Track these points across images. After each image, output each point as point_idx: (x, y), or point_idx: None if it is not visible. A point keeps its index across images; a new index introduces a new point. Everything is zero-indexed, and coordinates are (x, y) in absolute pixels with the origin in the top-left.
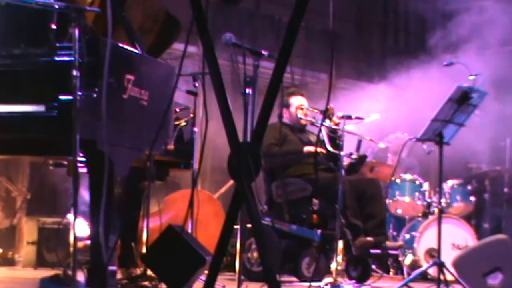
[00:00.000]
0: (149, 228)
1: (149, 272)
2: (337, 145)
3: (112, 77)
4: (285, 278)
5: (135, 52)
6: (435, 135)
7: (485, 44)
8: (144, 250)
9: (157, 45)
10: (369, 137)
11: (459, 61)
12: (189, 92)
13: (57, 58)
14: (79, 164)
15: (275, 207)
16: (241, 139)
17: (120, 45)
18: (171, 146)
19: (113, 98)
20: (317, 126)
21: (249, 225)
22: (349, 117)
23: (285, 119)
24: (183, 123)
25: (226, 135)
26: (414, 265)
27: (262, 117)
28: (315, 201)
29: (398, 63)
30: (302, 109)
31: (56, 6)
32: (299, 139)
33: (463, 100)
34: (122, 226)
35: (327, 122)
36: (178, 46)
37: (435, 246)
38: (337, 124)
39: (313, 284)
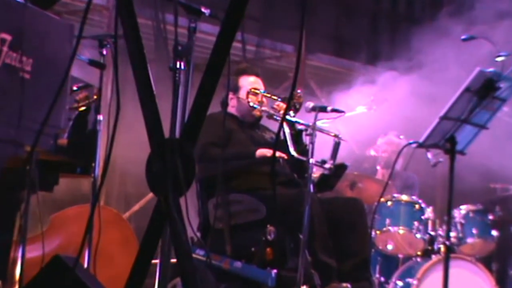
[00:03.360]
0: (26, 259)
1: None
2: (305, 149)
3: None
4: None
5: (13, 0)
6: (445, 140)
7: None
8: None
9: None
10: (351, 139)
11: (483, 35)
12: (93, 63)
13: None
14: None
15: (213, 235)
16: (167, 134)
17: None
18: (63, 141)
19: None
20: (277, 120)
21: (173, 260)
22: (323, 110)
23: (231, 109)
24: (83, 108)
25: (146, 128)
26: None
27: (199, 104)
28: (270, 228)
29: (395, 35)
30: (256, 94)
31: None
32: (250, 138)
33: (486, 91)
34: None
35: (292, 115)
36: None
37: None
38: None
39: None
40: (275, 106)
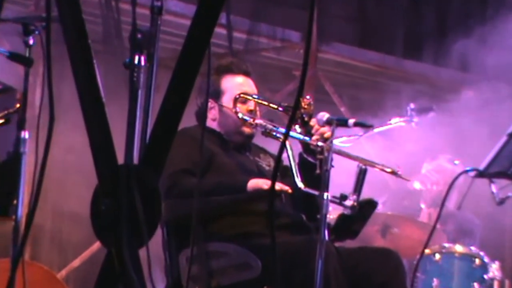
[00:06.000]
0: None
1: None
2: (316, 179)
3: None
4: None
5: None
6: None
7: None
8: None
9: None
10: (382, 164)
11: None
12: (15, 57)
13: None
14: None
15: None
16: (121, 158)
17: None
18: None
19: None
20: (277, 138)
21: None
22: (342, 123)
23: (212, 122)
24: (0, 121)
25: (91, 149)
26: None
27: (166, 115)
28: None
29: (444, 18)
30: (245, 102)
31: None
32: (238, 164)
33: None
34: None
35: (298, 131)
36: None
37: None
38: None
39: None
40: (274, 119)
